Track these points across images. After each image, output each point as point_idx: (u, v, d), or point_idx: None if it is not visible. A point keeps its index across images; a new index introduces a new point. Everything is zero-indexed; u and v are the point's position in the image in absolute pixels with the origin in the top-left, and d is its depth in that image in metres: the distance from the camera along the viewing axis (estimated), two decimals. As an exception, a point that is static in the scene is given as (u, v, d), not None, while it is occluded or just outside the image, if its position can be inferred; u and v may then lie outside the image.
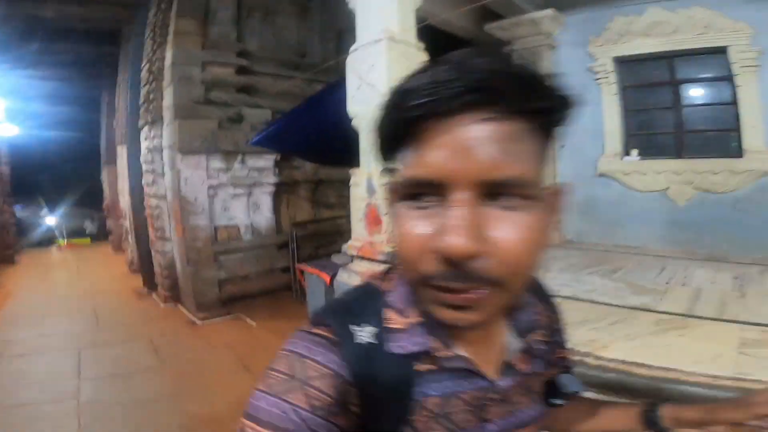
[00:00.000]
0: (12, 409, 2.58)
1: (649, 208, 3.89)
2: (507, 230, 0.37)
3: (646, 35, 3.89)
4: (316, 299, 3.18)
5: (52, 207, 18.24)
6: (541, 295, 0.60)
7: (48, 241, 14.89)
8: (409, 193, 0.39)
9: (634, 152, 3.98)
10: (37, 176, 15.70)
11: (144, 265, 5.96)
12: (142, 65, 5.82)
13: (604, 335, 1.90)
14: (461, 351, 0.47)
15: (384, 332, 0.46)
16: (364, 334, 0.45)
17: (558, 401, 0.57)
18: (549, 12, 4.38)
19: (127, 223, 7.36)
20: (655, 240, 3.88)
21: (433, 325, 0.46)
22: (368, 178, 2.59)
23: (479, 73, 0.34)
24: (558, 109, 0.38)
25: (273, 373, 0.43)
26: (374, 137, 0.43)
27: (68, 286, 6.56)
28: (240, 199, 5.28)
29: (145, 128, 5.49)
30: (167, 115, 4.95)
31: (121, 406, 2.63)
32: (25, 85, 9.01)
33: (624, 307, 2.28)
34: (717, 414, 0.56)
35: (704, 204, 3.64)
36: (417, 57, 2.60)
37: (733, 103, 3.55)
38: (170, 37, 5.03)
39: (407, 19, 2.64)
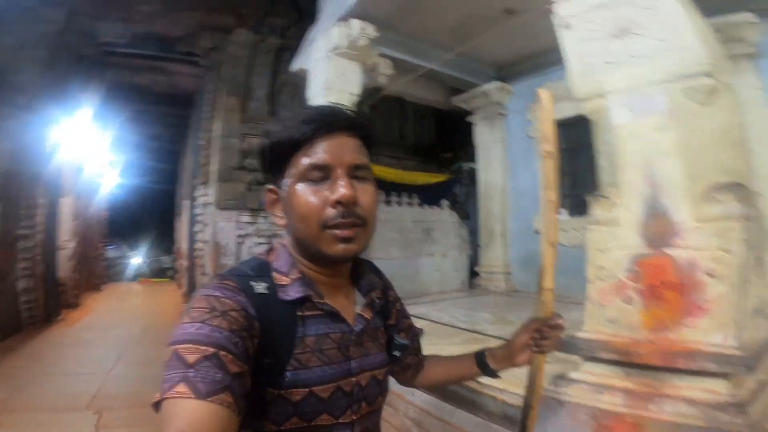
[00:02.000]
0: (71, 374, 4.13)
1: (573, 261, 4.71)
2: (364, 192, 0.69)
3: (570, 99, 4.73)
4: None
5: (136, 248, 21.74)
6: (375, 270, 0.89)
7: (131, 277, 17.85)
8: (306, 176, 0.67)
9: (564, 211, 4.88)
10: (127, 221, 18.92)
11: (190, 294, 7.73)
12: (201, 134, 7.91)
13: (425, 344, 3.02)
14: (329, 302, 0.72)
15: (275, 287, 0.68)
16: (260, 287, 0.67)
17: (396, 353, 0.86)
18: (497, 84, 5.46)
19: (184, 262, 9.38)
20: (577, 289, 4.68)
21: (308, 282, 0.71)
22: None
23: (343, 114, 0.72)
24: (370, 135, 0.74)
25: (195, 309, 0.59)
26: (264, 161, 0.74)
27: (133, 309, 8.61)
28: (262, 247, 6.89)
29: (199, 187, 7.44)
30: (212, 177, 6.82)
31: (137, 379, 4.07)
32: (123, 140, 11.53)
33: (462, 329, 3.33)
34: (513, 344, 0.87)
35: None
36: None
37: None
38: (218, 113, 7.01)
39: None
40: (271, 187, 0.75)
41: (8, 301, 5.52)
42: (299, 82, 4.90)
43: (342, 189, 0.65)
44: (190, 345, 0.53)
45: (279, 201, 0.73)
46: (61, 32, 7.11)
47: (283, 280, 0.69)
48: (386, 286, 0.90)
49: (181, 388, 0.49)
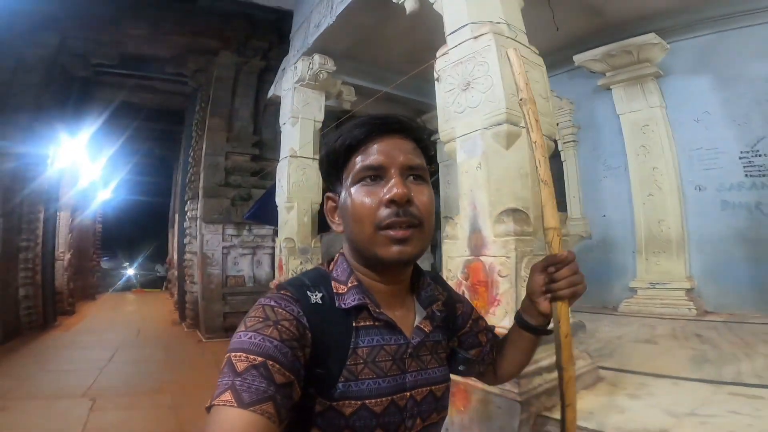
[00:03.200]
0: (68, 370, 4.74)
1: None
2: (420, 192, 0.70)
3: None
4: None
5: (130, 260, 22.37)
6: (440, 282, 0.90)
7: (124, 287, 18.47)
8: (361, 177, 0.69)
9: None
10: (120, 233, 19.56)
11: (180, 303, 8.37)
12: (189, 152, 8.58)
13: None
14: (386, 312, 0.71)
15: (332, 296, 0.70)
16: (316, 297, 0.68)
17: (461, 367, 0.86)
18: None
19: (175, 272, 10.02)
20: None
21: (364, 290, 0.71)
22: (280, 243, 4.63)
23: (394, 117, 0.74)
24: (425, 140, 0.77)
25: (250, 318, 0.62)
26: (322, 169, 0.77)
27: (126, 316, 9.24)
28: (246, 257, 7.52)
29: (188, 202, 8.09)
30: (200, 193, 7.47)
31: (128, 374, 4.69)
32: (116, 155, 12.19)
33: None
34: (531, 289, 0.83)
35: None
36: (312, 167, 4.67)
37: (561, 177, 4.87)
38: (205, 132, 7.67)
39: (307, 139, 4.74)
40: (329, 194, 0.77)
41: (10, 307, 6.15)
42: (280, 103, 5.58)
43: (395, 188, 0.66)
44: (242, 353, 0.56)
45: (336, 208, 0.75)
46: (55, 55, 7.80)
47: (340, 288, 0.71)
48: (452, 299, 0.90)
49: (227, 396, 0.52)
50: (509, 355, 0.92)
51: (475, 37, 2.15)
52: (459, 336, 0.88)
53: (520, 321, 0.86)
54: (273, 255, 7.62)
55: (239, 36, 8.18)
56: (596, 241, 4.60)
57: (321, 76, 4.63)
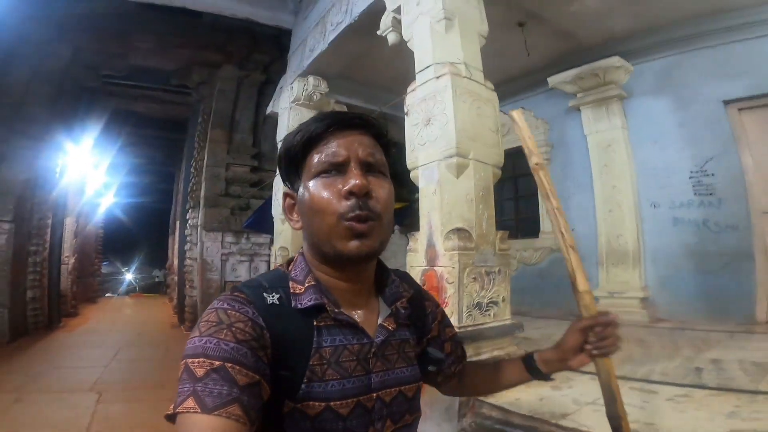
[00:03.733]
0: (75, 367, 5.14)
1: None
2: (378, 185, 0.70)
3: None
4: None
5: (129, 265, 22.82)
6: (406, 279, 0.87)
7: (124, 291, 18.91)
8: (319, 170, 0.69)
9: None
10: (121, 239, 19.99)
11: (179, 306, 8.78)
12: (191, 162, 9.03)
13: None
14: (347, 312, 0.71)
15: (290, 297, 0.69)
16: (273, 298, 0.67)
17: (431, 367, 0.84)
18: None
19: (175, 277, 10.44)
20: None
21: (323, 288, 0.70)
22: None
23: (355, 113, 0.75)
24: (385, 137, 0.76)
25: (203, 322, 0.61)
26: (281, 166, 0.76)
27: (127, 318, 9.66)
28: (244, 264, 7.94)
29: (190, 210, 8.53)
30: (201, 202, 7.90)
31: (131, 370, 5.09)
32: (120, 162, 12.85)
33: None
34: (564, 347, 0.83)
35: (524, 274, 5.46)
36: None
37: (536, 193, 5.19)
38: (207, 143, 8.12)
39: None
40: (287, 191, 0.77)
41: (19, 307, 6.57)
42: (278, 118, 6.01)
43: (354, 179, 0.66)
44: (198, 359, 0.56)
45: (295, 204, 0.75)
46: (68, 67, 8.29)
47: (297, 288, 0.70)
48: (422, 297, 0.89)
49: (190, 402, 0.52)
50: (490, 380, 0.95)
51: (437, 77, 2.58)
52: (426, 339, 0.87)
53: (529, 364, 0.88)
54: (269, 262, 8.02)
55: (241, 50, 8.64)
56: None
57: (315, 96, 5.08)
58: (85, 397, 4.16)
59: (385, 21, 3.54)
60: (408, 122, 2.73)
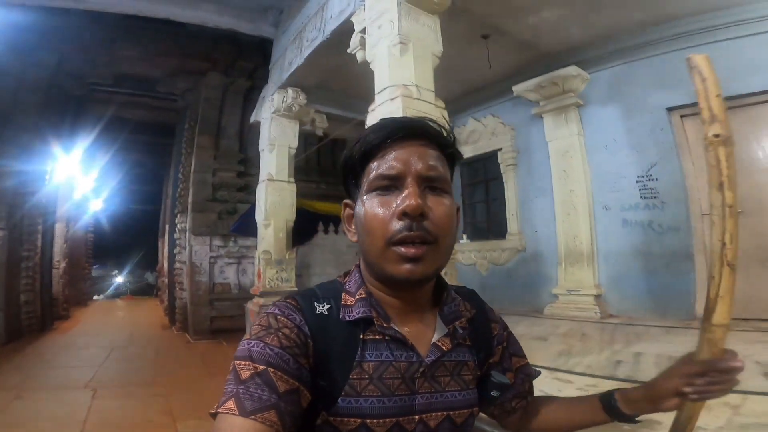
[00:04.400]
0: (70, 367, 5.48)
1: (469, 277, 6.06)
2: (438, 205, 0.66)
3: (465, 143, 6.00)
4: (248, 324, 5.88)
5: (120, 268, 23.06)
6: (472, 298, 0.83)
7: (114, 294, 19.18)
8: (375, 186, 0.66)
9: (464, 236, 6.35)
10: (111, 242, 20.22)
11: (170, 307, 9.12)
12: (179, 168, 9.35)
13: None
14: (398, 327, 0.69)
15: (340, 308, 0.69)
16: (322, 307, 0.68)
17: (494, 393, 0.77)
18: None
19: (165, 279, 10.77)
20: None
21: (373, 302, 0.69)
22: (259, 255, 5.40)
23: (417, 121, 0.70)
24: (451, 147, 0.72)
25: (255, 326, 0.64)
26: (342, 175, 0.74)
27: (118, 321, 10.03)
28: (232, 266, 8.29)
29: (178, 215, 8.85)
30: (189, 207, 8.24)
31: (123, 369, 5.44)
32: (110, 167, 13.12)
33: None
34: (658, 387, 0.71)
35: (493, 273, 5.87)
36: (287, 190, 5.47)
37: (503, 196, 5.67)
38: (194, 150, 8.45)
39: (282, 164, 5.54)
40: (346, 200, 0.76)
41: (13, 311, 6.88)
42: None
43: (408, 199, 0.63)
44: (245, 361, 0.58)
45: (353, 216, 0.73)
46: (53, 76, 8.57)
47: (349, 300, 0.70)
48: (487, 318, 0.84)
49: (230, 404, 0.54)
50: (560, 419, 0.86)
51: (392, 99, 2.95)
52: (489, 363, 0.82)
53: (609, 404, 0.78)
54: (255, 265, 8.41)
55: (226, 58, 8.94)
56: (529, 254, 5.37)
57: (294, 108, 5.44)
58: (81, 394, 4.50)
59: (354, 40, 3.89)
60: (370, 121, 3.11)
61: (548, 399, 0.91)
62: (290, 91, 5.42)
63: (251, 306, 5.48)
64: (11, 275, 6.85)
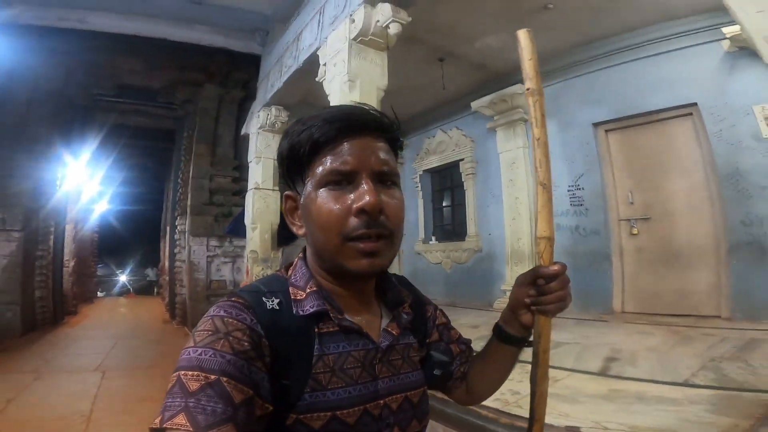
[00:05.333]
0: (81, 354, 6.31)
1: (436, 274, 6.77)
2: (390, 197, 0.67)
3: (434, 153, 6.68)
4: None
5: (124, 266, 24.05)
6: (406, 284, 0.89)
7: (118, 292, 20.17)
8: (327, 180, 0.65)
9: (433, 238, 7.11)
10: (115, 242, 21.19)
11: (170, 303, 9.98)
12: (179, 174, 10.18)
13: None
14: (350, 318, 0.70)
15: (290, 302, 0.67)
16: (272, 303, 0.66)
17: (437, 371, 0.85)
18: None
19: (167, 277, 11.64)
20: (440, 294, 6.65)
21: (325, 295, 0.69)
22: (249, 254, 6.18)
23: (370, 114, 0.69)
24: (398, 138, 0.73)
25: (198, 332, 0.59)
26: (282, 164, 0.71)
27: (123, 316, 10.95)
28: (227, 264, 9.10)
29: (178, 218, 9.69)
30: (188, 210, 9.06)
31: (128, 356, 6.26)
32: (113, 171, 13.96)
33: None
34: (513, 299, 0.80)
35: (456, 271, 6.60)
36: (271, 197, 6.26)
37: (464, 202, 6.44)
38: (192, 157, 9.26)
39: (268, 175, 6.32)
40: (289, 192, 0.74)
41: (29, 306, 7.74)
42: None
43: (366, 196, 0.63)
44: (193, 371, 0.53)
45: (297, 208, 0.72)
46: (62, 88, 9.42)
47: (299, 294, 0.69)
48: (421, 301, 0.89)
49: (180, 419, 0.49)
50: (486, 372, 0.89)
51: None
52: (428, 343, 0.86)
53: (500, 333, 0.83)
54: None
55: (221, 69, 9.72)
56: (485, 254, 6.12)
57: (277, 125, 6.22)
58: (92, 376, 5.32)
59: (320, 71, 4.60)
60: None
61: (474, 359, 0.95)
62: (273, 109, 6.20)
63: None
64: (27, 273, 7.70)
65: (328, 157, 0.66)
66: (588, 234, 4.92)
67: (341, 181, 0.65)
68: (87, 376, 5.29)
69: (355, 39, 3.91)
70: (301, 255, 0.76)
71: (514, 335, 0.82)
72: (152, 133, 12.43)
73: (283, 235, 6.68)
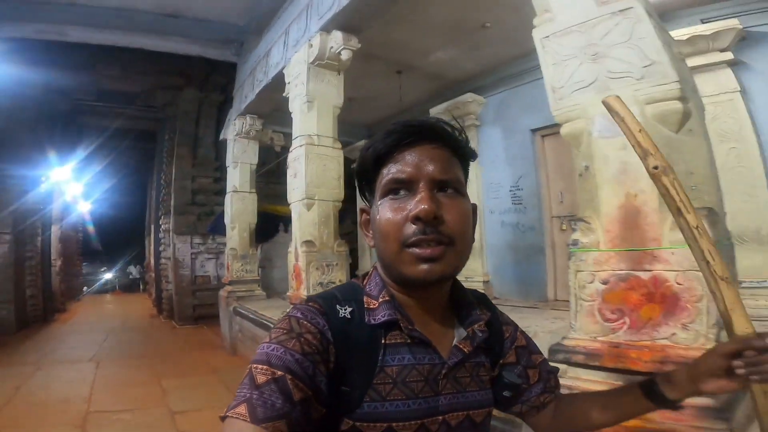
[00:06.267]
0: (76, 347, 6.93)
1: None
2: (451, 207, 0.67)
3: None
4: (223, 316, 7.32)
5: (109, 265, 24.49)
6: (485, 303, 0.86)
7: (103, 290, 20.71)
8: (387, 190, 0.68)
9: None
10: (99, 240, 21.62)
11: (157, 299, 10.61)
12: (161, 175, 10.74)
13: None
14: (421, 330, 0.71)
15: (363, 311, 0.70)
16: (345, 311, 0.69)
17: (506, 392, 0.83)
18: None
19: (153, 274, 12.25)
20: None
21: (396, 305, 0.70)
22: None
23: (427, 123, 0.70)
24: (465, 147, 0.73)
25: (276, 329, 0.64)
26: (358, 182, 0.75)
27: (111, 312, 11.60)
28: (211, 260, 9.73)
29: (162, 217, 10.27)
30: (172, 210, 9.64)
31: (119, 348, 6.91)
32: (95, 171, 14.36)
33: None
34: (700, 366, 0.71)
35: None
36: (248, 198, 6.89)
37: None
38: (174, 159, 9.81)
39: (245, 178, 6.94)
40: (362, 206, 0.78)
41: (21, 303, 8.33)
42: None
43: (421, 204, 0.64)
44: (263, 365, 0.58)
45: (369, 221, 0.75)
46: (44, 94, 9.85)
47: (372, 303, 0.71)
48: (500, 321, 0.88)
49: (242, 409, 0.54)
50: (597, 412, 0.85)
51: (300, 146, 4.35)
52: (502, 364, 0.85)
53: (651, 390, 0.78)
54: (231, 258, 9.86)
55: (200, 74, 10.20)
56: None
57: (252, 132, 6.84)
58: (88, 365, 5.95)
59: (286, 89, 5.14)
60: (288, 174, 4.53)
61: (578, 396, 0.95)
62: (248, 118, 6.81)
63: (222, 292, 6.96)
64: (18, 273, 8.27)
65: (390, 167, 0.69)
66: (526, 230, 5.63)
67: (401, 189, 0.68)
68: (83, 366, 5.92)
69: (313, 62, 4.49)
70: (375, 264, 0.78)
71: (671, 399, 0.76)
72: (133, 134, 12.89)
73: (263, 232, 7.36)
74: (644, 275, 1.64)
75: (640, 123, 0.70)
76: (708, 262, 0.66)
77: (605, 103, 0.74)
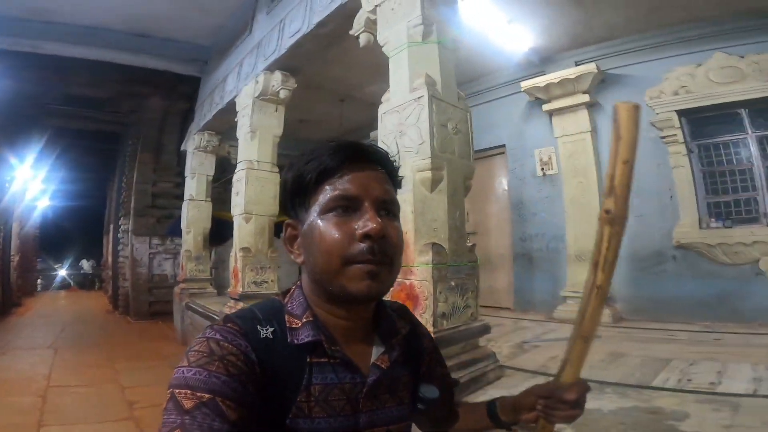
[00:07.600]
0: (35, 336, 7.63)
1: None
2: (390, 227, 0.70)
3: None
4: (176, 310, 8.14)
5: (65, 261, 24.61)
6: (404, 314, 0.91)
7: (58, 286, 20.98)
8: (331, 207, 0.69)
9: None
10: (56, 238, 21.82)
11: (113, 295, 11.28)
12: (122, 178, 11.40)
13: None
14: (343, 349, 0.72)
15: (286, 331, 0.71)
16: (266, 331, 0.70)
17: (421, 406, 0.85)
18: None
19: (110, 272, 12.88)
20: None
21: (320, 325, 0.72)
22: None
23: (371, 147, 0.76)
24: (397, 174, 0.79)
25: (193, 352, 0.63)
26: (285, 193, 0.77)
27: (67, 307, 12.18)
28: (169, 260, 10.43)
29: (122, 218, 10.96)
30: (132, 212, 10.35)
31: (76, 338, 7.64)
32: (57, 169, 14.76)
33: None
34: (521, 399, 0.86)
35: None
36: (204, 206, 7.78)
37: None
38: (136, 165, 10.49)
39: (201, 188, 7.84)
40: (290, 221, 0.78)
41: (-18, 298, 8.99)
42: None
43: (371, 222, 0.67)
44: (187, 390, 0.57)
45: (298, 236, 0.76)
46: (11, 99, 10.40)
47: (294, 322, 0.72)
48: (418, 333, 0.92)
49: None
50: (462, 423, 0.99)
51: (242, 170, 5.35)
52: (420, 376, 0.89)
53: (491, 412, 0.91)
54: (188, 259, 10.62)
55: (166, 82, 10.83)
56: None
57: (209, 147, 7.76)
58: (47, 351, 6.62)
59: (237, 116, 6.03)
60: (232, 192, 5.47)
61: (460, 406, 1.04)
62: (206, 134, 7.71)
63: (176, 289, 7.83)
64: (-21, 268, 8.92)
65: (335, 184, 0.71)
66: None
67: (347, 207, 0.70)
68: (42, 352, 6.62)
69: (258, 97, 5.36)
70: (298, 283, 0.79)
71: (505, 421, 0.90)
72: (96, 134, 13.34)
73: (217, 237, 8.25)
74: (407, 282, 2.70)
75: (634, 154, 0.63)
76: (583, 317, 0.71)
77: (615, 108, 0.65)
